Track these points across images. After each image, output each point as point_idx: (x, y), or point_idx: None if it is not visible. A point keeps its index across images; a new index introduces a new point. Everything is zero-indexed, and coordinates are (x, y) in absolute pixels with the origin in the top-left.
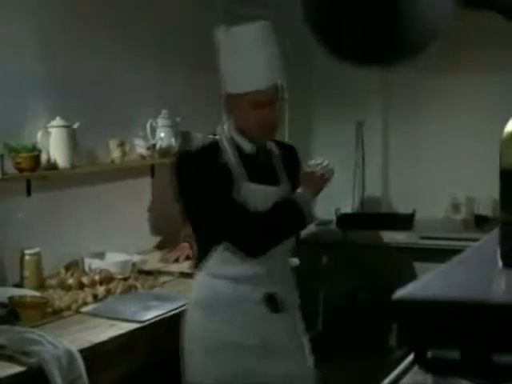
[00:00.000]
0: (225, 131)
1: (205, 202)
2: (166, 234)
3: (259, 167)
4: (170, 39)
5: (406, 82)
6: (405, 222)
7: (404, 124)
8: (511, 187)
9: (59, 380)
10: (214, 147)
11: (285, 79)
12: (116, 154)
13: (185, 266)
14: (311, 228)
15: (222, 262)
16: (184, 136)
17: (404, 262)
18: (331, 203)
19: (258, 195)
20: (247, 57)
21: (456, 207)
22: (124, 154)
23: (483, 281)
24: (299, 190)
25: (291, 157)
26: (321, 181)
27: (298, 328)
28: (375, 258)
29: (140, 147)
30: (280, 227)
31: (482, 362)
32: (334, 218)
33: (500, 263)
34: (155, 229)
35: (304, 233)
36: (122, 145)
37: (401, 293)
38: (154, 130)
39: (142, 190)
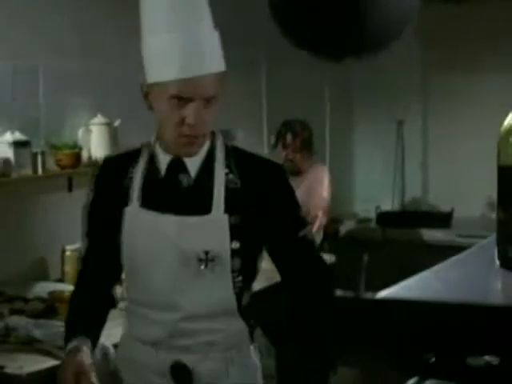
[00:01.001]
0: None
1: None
2: None
3: (175, 189)
4: None
5: (445, 82)
6: (443, 220)
7: (443, 123)
8: (508, 185)
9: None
10: (131, 156)
11: (222, 64)
12: None
13: None
14: (350, 225)
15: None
16: (224, 134)
17: (441, 260)
18: (371, 201)
19: (149, 226)
20: (163, 29)
21: (493, 206)
22: None
23: (476, 281)
24: None
25: (264, 180)
26: None
27: None
28: (413, 256)
29: None
30: None
31: (456, 365)
32: (374, 215)
33: (497, 263)
34: None
35: (343, 230)
36: None
37: (383, 292)
38: None
39: None
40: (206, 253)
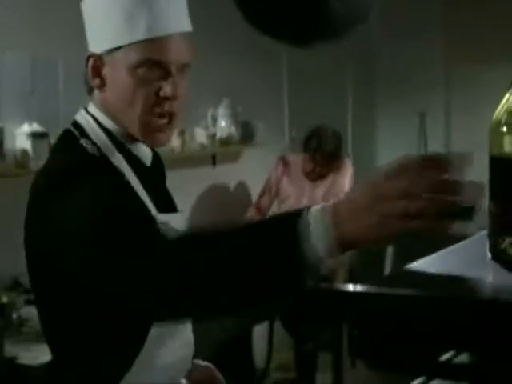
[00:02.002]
0: (91, 119)
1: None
2: (225, 223)
3: (155, 183)
4: (231, 28)
5: (468, 74)
6: (465, 212)
7: (466, 116)
8: (499, 175)
9: None
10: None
11: (190, 25)
12: (176, 142)
13: None
14: None
15: None
16: (245, 125)
17: None
18: None
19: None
20: None
21: None
22: (184, 142)
23: (464, 274)
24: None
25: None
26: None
27: None
28: (436, 248)
29: (200, 136)
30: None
31: (428, 360)
32: None
33: (489, 256)
34: (215, 217)
35: None
36: (182, 133)
37: (358, 287)
38: (214, 120)
39: (203, 178)
40: None
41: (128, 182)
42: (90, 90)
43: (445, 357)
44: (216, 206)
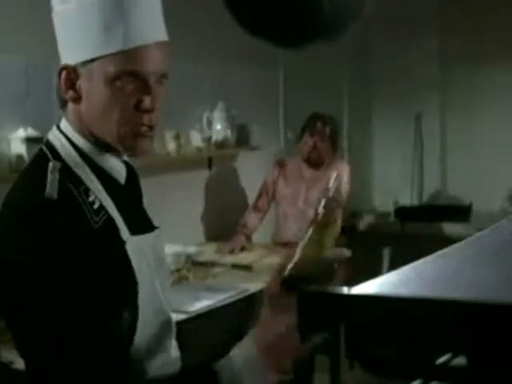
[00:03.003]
0: (63, 138)
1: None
2: (221, 225)
3: (129, 201)
4: (226, 31)
5: (464, 74)
6: (462, 213)
7: (462, 116)
8: None
9: None
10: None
11: (166, 34)
12: (171, 146)
13: (239, 258)
14: (369, 220)
15: None
16: (240, 128)
17: None
18: (390, 195)
19: (143, 250)
20: None
21: None
22: (179, 146)
23: (451, 278)
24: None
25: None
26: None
27: None
28: (432, 250)
29: (196, 140)
30: None
31: (425, 363)
32: (392, 209)
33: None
34: (211, 220)
35: (362, 224)
36: (177, 137)
37: (353, 289)
38: (210, 123)
39: (199, 182)
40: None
41: (88, 221)
42: (63, 104)
43: (442, 359)
44: (212, 208)
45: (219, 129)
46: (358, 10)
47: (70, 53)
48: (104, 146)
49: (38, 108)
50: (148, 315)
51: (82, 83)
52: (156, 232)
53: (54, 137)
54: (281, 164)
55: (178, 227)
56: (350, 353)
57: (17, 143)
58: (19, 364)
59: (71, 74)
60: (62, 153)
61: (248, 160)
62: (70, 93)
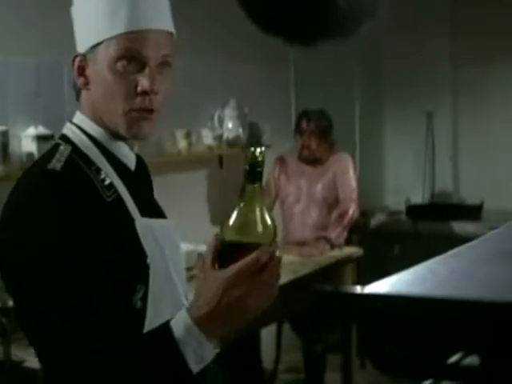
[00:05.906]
0: (75, 128)
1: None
2: None
3: (140, 187)
4: (239, 29)
5: (475, 73)
6: (473, 212)
7: (473, 115)
8: None
9: None
10: (72, 165)
11: (172, 26)
12: (182, 144)
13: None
14: (381, 218)
15: None
16: (252, 127)
17: None
18: (401, 194)
19: (153, 233)
20: None
21: None
22: (190, 144)
23: (464, 278)
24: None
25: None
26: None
27: None
28: (444, 248)
29: (207, 138)
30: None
31: (433, 362)
32: (403, 208)
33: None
34: (222, 219)
35: (373, 223)
36: (188, 135)
37: (365, 289)
38: (221, 121)
39: (210, 180)
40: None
41: (101, 197)
42: (78, 95)
43: (453, 359)
44: (223, 207)
45: (230, 127)
46: (373, 10)
47: (81, 41)
48: (113, 133)
49: (49, 106)
50: (162, 295)
51: (89, 69)
52: (168, 221)
53: (67, 129)
54: (282, 161)
55: (189, 226)
56: (361, 352)
57: (28, 141)
58: (30, 362)
59: (82, 62)
60: (75, 140)
61: None
62: (81, 79)
